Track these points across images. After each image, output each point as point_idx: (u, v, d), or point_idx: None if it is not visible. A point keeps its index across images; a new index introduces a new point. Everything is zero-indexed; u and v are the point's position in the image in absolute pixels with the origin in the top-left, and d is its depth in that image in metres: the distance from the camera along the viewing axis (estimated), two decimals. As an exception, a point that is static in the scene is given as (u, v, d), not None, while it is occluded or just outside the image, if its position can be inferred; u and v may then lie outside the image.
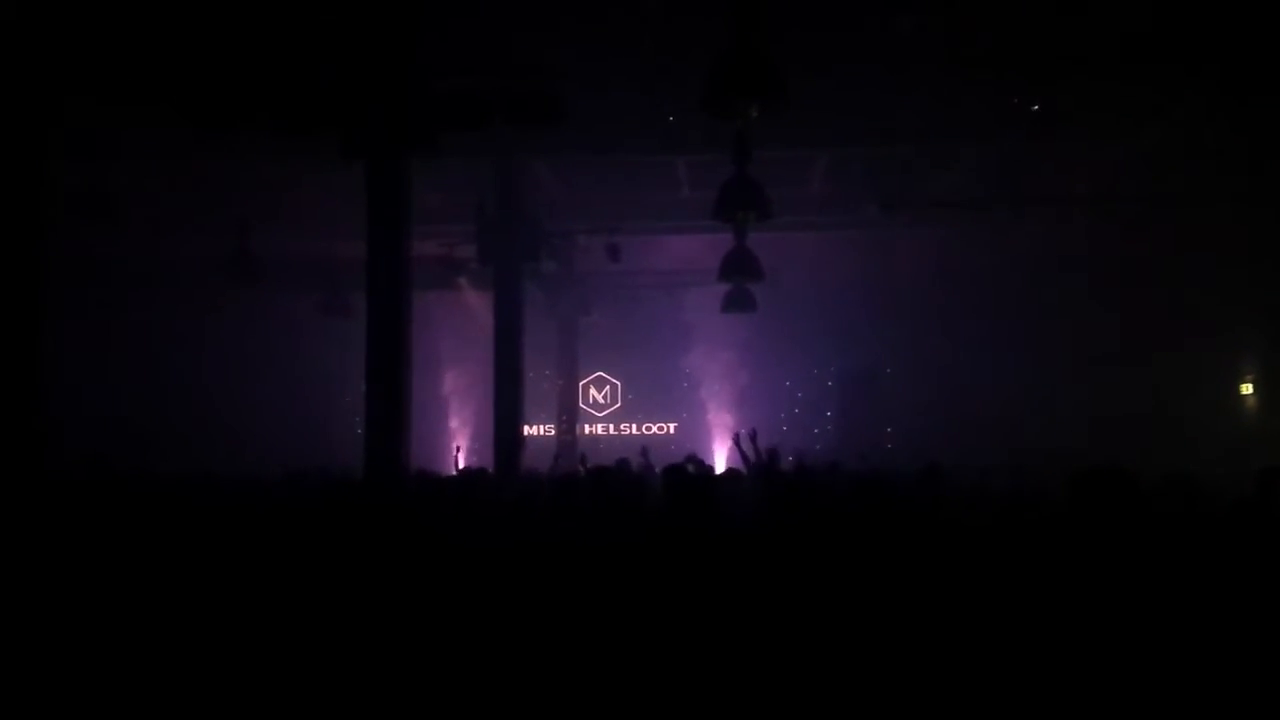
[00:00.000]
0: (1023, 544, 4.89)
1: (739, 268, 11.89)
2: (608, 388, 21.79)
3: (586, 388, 21.38)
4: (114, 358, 16.79)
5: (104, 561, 4.81)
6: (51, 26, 8.39)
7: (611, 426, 21.76)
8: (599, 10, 9.37)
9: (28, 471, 7.71)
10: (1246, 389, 15.93)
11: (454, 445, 17.34)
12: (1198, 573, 4.19)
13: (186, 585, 4.52)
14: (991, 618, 4.12)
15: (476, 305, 17.11)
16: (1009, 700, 3.82)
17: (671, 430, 21.41)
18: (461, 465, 13.61)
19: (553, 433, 20.06)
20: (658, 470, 8.11)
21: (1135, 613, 3.92)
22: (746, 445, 8.03)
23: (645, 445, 16.19)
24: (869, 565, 4.49)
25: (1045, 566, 4.32)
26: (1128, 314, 16.43)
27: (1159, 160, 13.32)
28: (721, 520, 5.65)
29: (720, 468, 14.66)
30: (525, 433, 15.72)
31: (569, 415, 19.75)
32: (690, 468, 8.39)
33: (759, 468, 7.99)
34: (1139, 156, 13.40)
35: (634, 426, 21.66)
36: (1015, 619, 4.08)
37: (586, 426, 21.15)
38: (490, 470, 12.08)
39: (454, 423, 20.76)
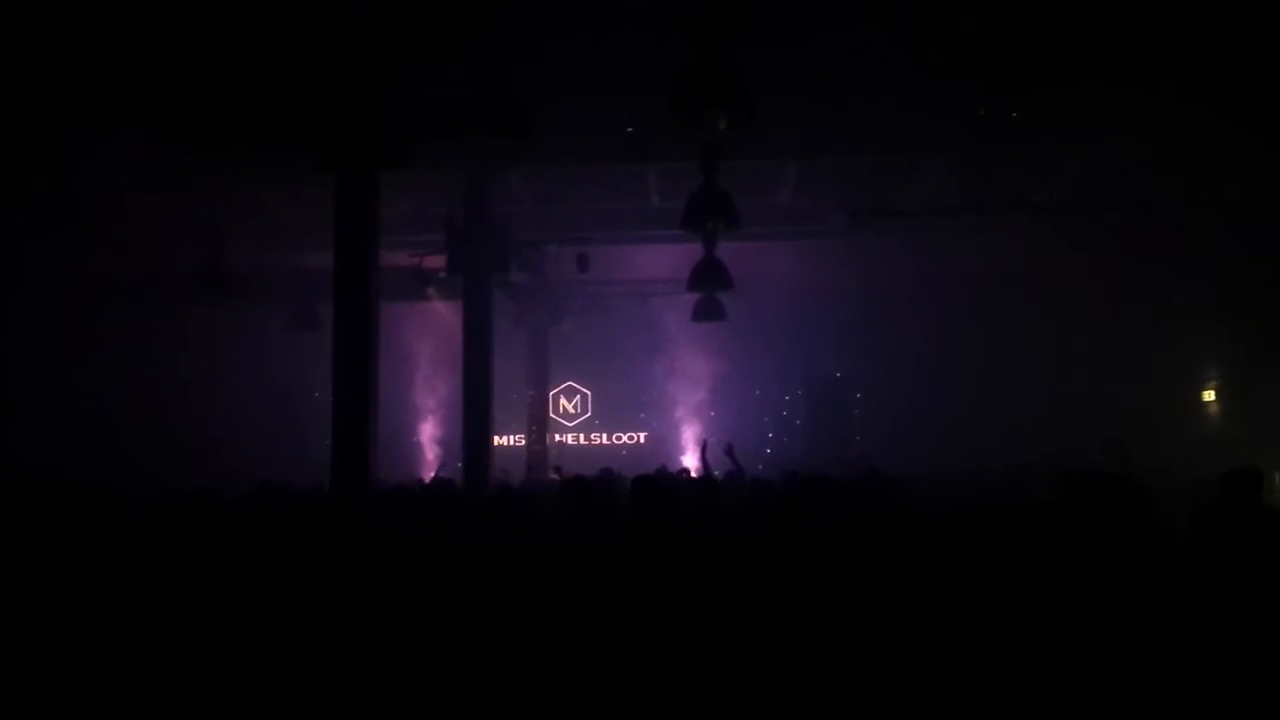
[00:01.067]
0: (1001, 548, 4.95)
1: (708, 277, 11.93)
2: (578, 397, 21.78)
3: (557, 397, 21.36)
4: (82, 370, 16.64)
5: (67, 578, 4.77)
6: (20, 32, 8.33)
7: (582, 436, 21.76)
8: (568, 23, 9.39)
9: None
10: (1208, 395, 16.14)
11: (427, 455, 17.29)
12: (1162, 577, 4.26)
13: (155, 601, 4.50)
14: (969, 622, 4.16)
15: (446, 315, 17.07)
16: (989, 705, 3.87)
17: (642, 440, 21.43)
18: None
19: (523, 443, 20.04)
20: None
21: (1101, 613, 3.97)
22: (714, 457, 8.07)
23: (607, 467, 16.15)
24: (851, 571, 4.52)
25: (1026, 570, 4.37)
26: (1092, 321, 16.64)
27: (1122, 168, 13.49)
28: (691, 526, 5.68)
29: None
30: (496, 442, 15.70)
31: (539, 425, 19.73)
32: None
33: (733, 475, 8.04)
34: (1102, 164, 13.57)
35: (605, 436, 21.67)
36: (995, 622, 4.13)
37: (557, 436, 21.14)
38: (458, 481, 12.07)
39: (424, 432, 20.70)
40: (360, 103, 9.10)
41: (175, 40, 8.74)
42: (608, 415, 21.72)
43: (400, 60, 9.18)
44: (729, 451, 8.05)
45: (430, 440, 20.60)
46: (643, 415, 21.42)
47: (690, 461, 19.50)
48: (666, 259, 15.99)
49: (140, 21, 8.60)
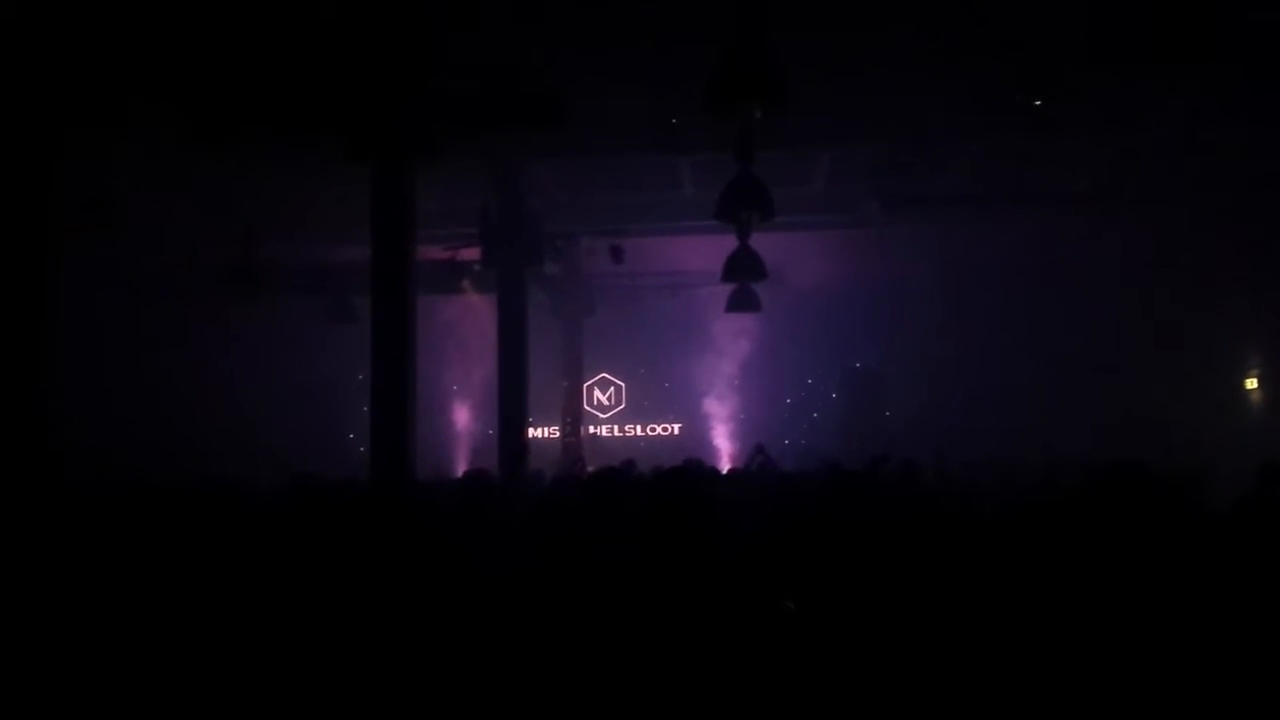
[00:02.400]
0: (1034, 540, 4.90)
1: (742, 267, 11.87)
2: (612, 389, 21.81)
3: (591, 389, 21.39)
4: (121, 365, 16.81)
5: (112, 569, 4.83)
6: (57, 32, 8.42)
7: (616, 428, 21.78)
8: (599, 12, 9.38)
9: (35, 480, 7.74)
10: (1251, 384, 15.91)
11: (460, 448, 17.38)
12: (1203, 568, 4.20)
13: (194, 593, 4.54)
14: (999, 612, 4.13)
15: (481, 308, 17.14)
16: (1010, 696, 3.83)
17: (676, 431, 21.43)
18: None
19: (557, 434, 20.08)
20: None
21: (1141, 607, 3.93)
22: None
23: (630, 460, 16.14)
24: (883, 562, 4.50)
25: (1056, 563, 4.32)
26: (1130, 309, 16.44)
27: (1159, 155, 13.32)
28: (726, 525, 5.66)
29: (724, 468, 14.68)
30: (530, 435, 15.75)
31: (573, 417, 19.75)
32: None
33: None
34: (1139, 151, 13.40)
35: (639, 428, 21.69)
36: (1024, 613, 4.09)
37: (591, 428, 21.17)
38: (494, 472, 12.13)
39: (459, 425, 20.80)
40: (391, 93, 9.12)
41: (205, 39, 8.81)
42: (642, 407, 21.73)
43: (432, 51, 9.20)
44: (761, 450, 8.08)
45: (465, 430, 20.69)
46: (677, 406, 21.41)
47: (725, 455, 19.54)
48: (700, 250, 15.96)
49: (170, 19, 8.67)
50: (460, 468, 15.52)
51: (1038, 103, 11.61)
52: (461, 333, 18.98)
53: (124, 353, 16.87)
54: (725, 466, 15.88)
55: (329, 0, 8.42)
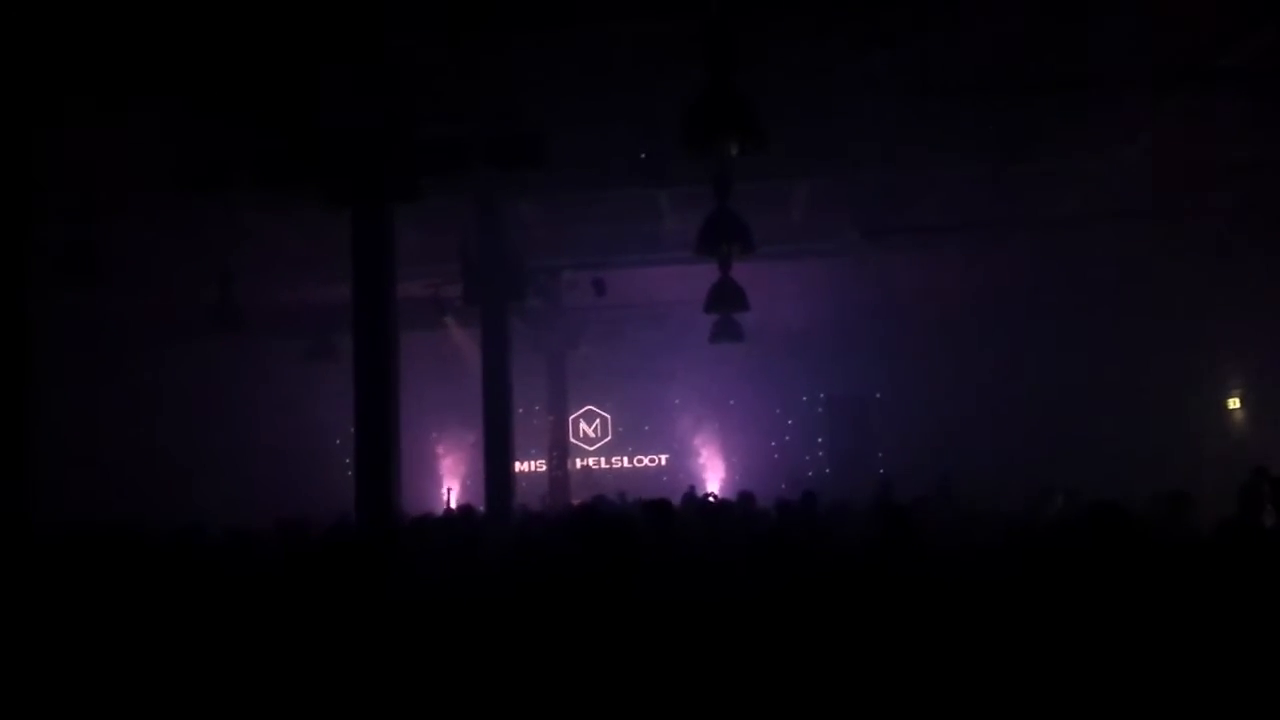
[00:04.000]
0: (1016, 574, 4.91)
1: (724, 299, 11.90)
2: (598, 421, 21.77)
3: (577, 422, 21.35)
4: (101, 411, 16.77)
5: (97, 620, 4.78)
6: (33, 76, 8.41)
7: (603, 460, 21.74)
8: (574, 51, 9.45)
9: (15, 531, 7.66)
10: (1234, 403, 16.00)
11: (445, 486, 17.31)
12: (1190, 597, 4.21)
13: (178, 645, 4.50)
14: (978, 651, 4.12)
15: (464, 343, 17.13)
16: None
17: (663, 462, 21.39)
18: (454, 505, 13.59)
19: (544, 468, 20.04)
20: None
21: (1136, 640, 3.93)
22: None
23: (623, 490, 16.11)
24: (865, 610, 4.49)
25: (1040, 596, 4.32)
26: (1113, 331, 16.53)
27: (1139, 176, 13.42)
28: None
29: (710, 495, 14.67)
30: (517, 468, 15.71)
31: (560, 450, 19.72)
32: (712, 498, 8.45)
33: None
34: (1118, 174, 13.50)
35: (626, 459, 21.64)
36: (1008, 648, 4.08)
37: (578, 461, 21.12)
38: (480, 508, 12.10)
39: (444, 461, 20.71)
40: (369, 141, 9.16)
41: (183, 86, 8.82)
42: (628, 438, 21.70)
43: (407, 96, 9.25)
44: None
45: (452, 467, 20.58)
46: (663, 437, 21.39)
47: (713, 485, 19.50)
48: (682, 281, 15.96)
49: (148, 66, 8.68)
50: (447, 502, 15.45)
51: (1011, 129, 11.67)
52: (445, 368, 18.94)
53: (104, 399, 16.85)
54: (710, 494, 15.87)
55: (309, 51, 8.44)
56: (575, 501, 15.89)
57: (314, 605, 4.81)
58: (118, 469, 16.30)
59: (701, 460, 20.77)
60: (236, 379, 18.29)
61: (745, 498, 11.04)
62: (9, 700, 4.18)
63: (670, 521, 7.18)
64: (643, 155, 11.39)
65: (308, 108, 8.90)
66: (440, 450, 20.61)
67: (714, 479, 20.20)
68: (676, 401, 20.79)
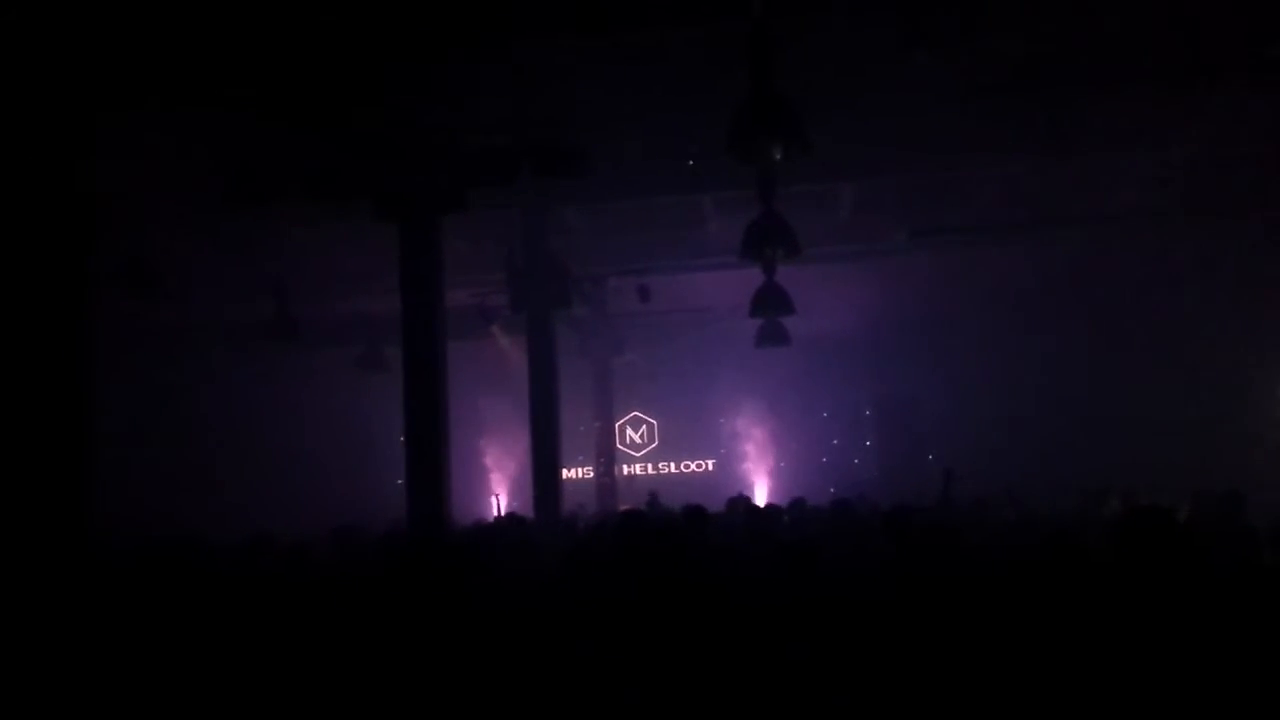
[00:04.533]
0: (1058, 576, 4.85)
1: (769, 303, 11.84)
2: (644, 427, 21.79)
3: (623, 428, 21.37)
4: (159, 423, 17.03)
5: (156, 635, 4.86)
6: (88, 96, 8.56)
7: (650, 466, 21.74)
8: (618, 58, 9.48)
9: (75, 548, 7.78)
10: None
11: (493, 494, 17.40)
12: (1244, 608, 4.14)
13: (236, 658, 4.56)
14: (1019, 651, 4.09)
15: (510, 351, 17.22)
16: None
17: (710, 467, 21.36)
18: (502, 513, 13.65)
19: (591, 475, 20.07)
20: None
21: (1175, 648, 3.87)
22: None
23: (654, 490, 16.09)
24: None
25: (1084, 609, 4.27)
26: (1165, 326, 16.29)
27: (1191, 172, 13.21)
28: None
29: (761, 501, 14.64)
30: (565, 475, 15.76)
31: (607, 457, 19.74)
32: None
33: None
34: (1170, 169, 13.29)
35: (672, 465, 21.63)
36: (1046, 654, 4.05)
37: (625, 467, 21.13)
38: (528, 516, 12.15)
39: (492, 469, 20.82)
40: (415, 155, 9.26)
41: (232, 105, 8.96)
42: (675, 444, 21.69)
43: (453, 107, 9.33)
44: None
45: (500, 475, 20.68)
46: (710, 442, 21.35)
47: (760, 490, 19.45)
48: (727, 285, 15.93)
49: (197, 86, 8.82)
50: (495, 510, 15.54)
51: (1060, 126, 11.52)
52: (492, 375, 19.06)
53: (161, 411, 17.11)
54: (762, 499, 15.84)
55: (354, 67, 8.54)
56: (623, 508, 15.90)
57: (384, 617, 4.84)
58: (170, 478, 16.53)
59: (748, 465, 20.70)
60: (287, 388, 18.47)
61: (796, 503, 10.99)
62: (90, 713, 4.26)
63: (704, 527, 7.19)
64: (690, 162, 11.40)
65: (359, 121, 9.00)
66: (488, 458, 20.71)
67: (761, 483, 20.13)
68: (723, 406, 20.74)
